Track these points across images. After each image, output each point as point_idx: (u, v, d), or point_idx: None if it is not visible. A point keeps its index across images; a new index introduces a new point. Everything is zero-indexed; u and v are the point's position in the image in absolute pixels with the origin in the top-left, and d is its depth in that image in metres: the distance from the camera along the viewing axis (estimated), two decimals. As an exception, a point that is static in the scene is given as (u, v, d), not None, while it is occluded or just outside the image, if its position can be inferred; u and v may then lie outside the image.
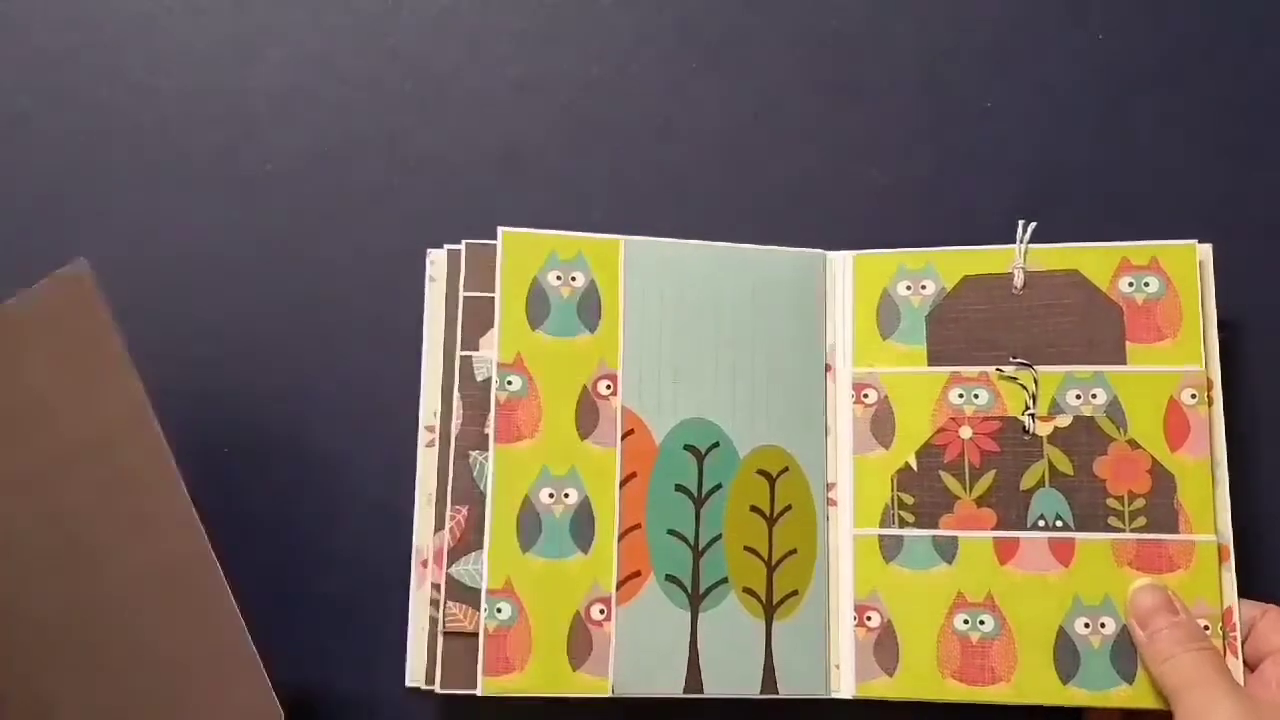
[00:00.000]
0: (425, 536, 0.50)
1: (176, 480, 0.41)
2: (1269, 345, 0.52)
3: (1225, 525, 0.46)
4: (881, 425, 0.49)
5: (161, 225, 0.55)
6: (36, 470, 0.43)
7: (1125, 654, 0.46)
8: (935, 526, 0.48)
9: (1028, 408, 0.48)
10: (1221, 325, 0.48)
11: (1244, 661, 0.45)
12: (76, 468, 0.43)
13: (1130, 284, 0.48)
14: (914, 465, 0.48)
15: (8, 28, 0.57)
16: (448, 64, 0.56)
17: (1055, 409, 0.48)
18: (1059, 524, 0.47)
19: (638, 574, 0.47)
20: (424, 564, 0.49)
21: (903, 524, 0.48)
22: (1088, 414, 0.48)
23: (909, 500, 0.48)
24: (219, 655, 0.41)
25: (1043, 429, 0.48)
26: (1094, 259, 0.49)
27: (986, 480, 0.48)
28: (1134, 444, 0.47)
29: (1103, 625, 0.46)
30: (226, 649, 0.41)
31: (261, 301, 0.54)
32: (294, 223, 0.55)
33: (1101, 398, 0.48)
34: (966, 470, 0.48)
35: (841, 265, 0.51)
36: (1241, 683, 0.44)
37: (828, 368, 0.50)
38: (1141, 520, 0.47)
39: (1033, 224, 0.49)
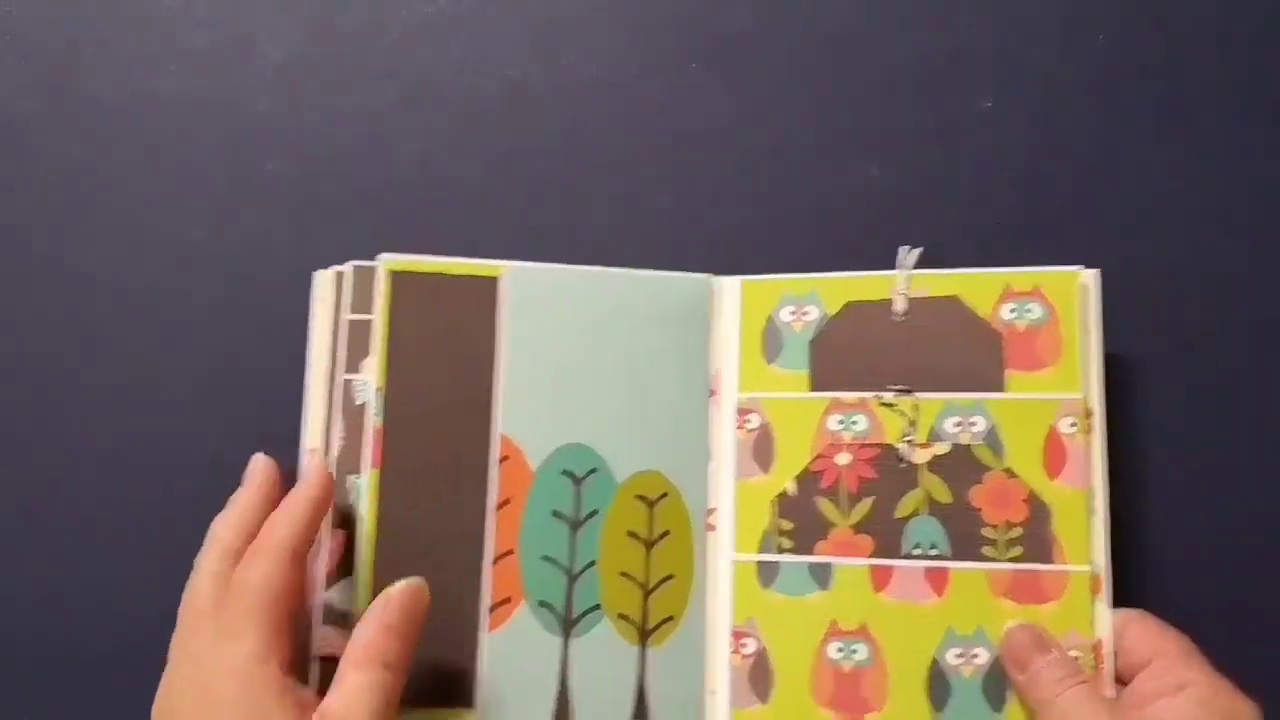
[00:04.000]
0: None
1: None
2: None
3: (1099, 556, 0.46)
4: (762, 450, 0.49)
5: (162, 226, 0.55)
6: None
7: (997, 684, 0.45)
8: (811, 553, 0.48)
9: (906, 435, 0.48)
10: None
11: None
12: None
13: (1013, 310, 0.48)
14: (793, 491, 0.48)
15: (8, 28, 0.58)
16: (448, 63, 0.57)
17: (934, 436, 0.48)
18: (934, 552, 0.47)
19: (509, 600, 0.47)
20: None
21: (780, 550, 0.48)
22: (965, 442, 0.47)
23: (787, 526, 0.48)
24: None
25: (920, 456, 0.48)
26: (976, 285, 0.48)
27: (864, 507, 0.48)
28: (1011, 473, 0.47)
29: (975, 656, 0.46)
30: None
31: (261, 299, 0.54)
32: (292, 222, 0.55)
33: (980, 426, 0.47)
34: (844, 497, 0.48)
35: (729, 290, 0.51)
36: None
37: (712, 392, 0.50)
38: (1017, 550, 0.46)
39: (917, 250, 0.49)
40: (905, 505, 0.47)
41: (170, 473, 0.53)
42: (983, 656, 0.46)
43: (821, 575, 0.47)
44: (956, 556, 0.47)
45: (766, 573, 0.48)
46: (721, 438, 0.50)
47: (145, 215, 0.55)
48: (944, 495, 0.47)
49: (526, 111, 0.56)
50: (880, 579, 0.47)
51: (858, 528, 0.47)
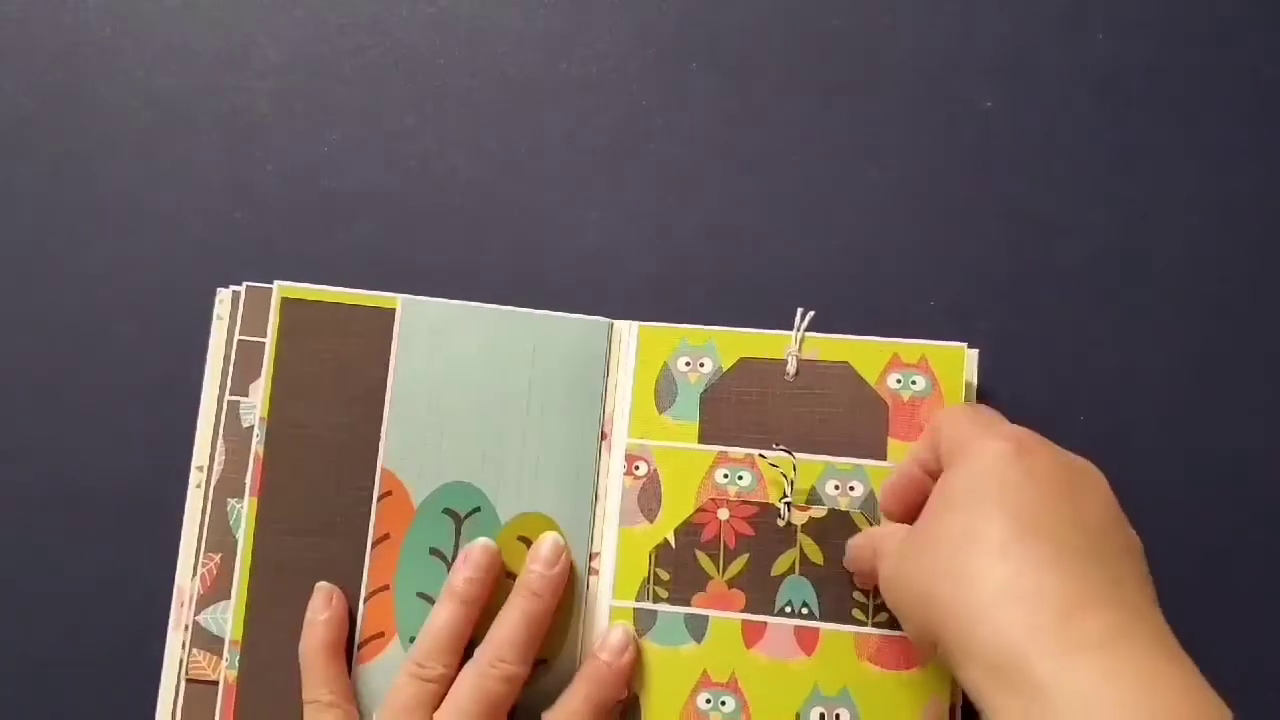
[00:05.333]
0: (185, 579, 0.49)
1: None
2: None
3: (962, 626, 0.47)
4: (648, 498, 0.49)
5: (161, 226, 0.55)
6: None
7: (857, 744, 0.47)
8: (688, 604, 0.48)
9: (785, 495, 0.49)
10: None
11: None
12: None
13: (898, 380, 0.49)
14: (673, 542, 0.49)
15: (8, 28, 0.57)
16: (448, 63, 0.56)
17: (813, 498, 0.49)
18: (805, 612, 0.48)
19: (381, 635, 0.47)
20: (182, 606, 0.49)
21: (657, 599, 0.49)
22: (844, 507, 0.48)
23: (665, 576, 0.49)
24: None
25: (798, 517, 0.48)
26: (865, 353, 0.49)
27: (740, 563, 0.48)
28: (884, 539, 0.48)
29: (838, 715, 0.47)
30: None
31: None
32: (292, 222, 0.55)
33: (859, 491, 0.48)
34: (722, 551, 0.49)
35: (627, 335, 0.51)
36: None
37: (604, 436, 0.50)
38: (884, 615, 0.47)
39: (810, 313, 0.49)
40: (780, 564, 0.48)
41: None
42: (845, 716, 0.47)
43: (697, 627, 0.48)
44: (826, 618, 0.48)
45: (643, 621, 0.48)
46: (609, 483, 0.50)
47: (145, 215, 0.55)
48: (818, 557, 0.48)
49: (527, 111, 0.56)
50: (752, 635, 0.48)
51: (732, 582, 0.48)
